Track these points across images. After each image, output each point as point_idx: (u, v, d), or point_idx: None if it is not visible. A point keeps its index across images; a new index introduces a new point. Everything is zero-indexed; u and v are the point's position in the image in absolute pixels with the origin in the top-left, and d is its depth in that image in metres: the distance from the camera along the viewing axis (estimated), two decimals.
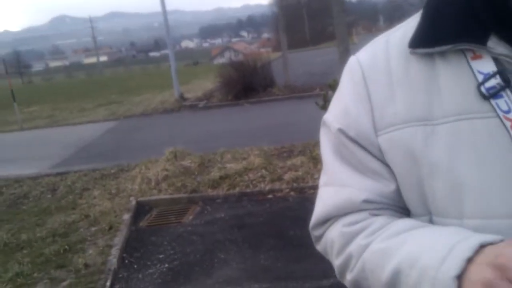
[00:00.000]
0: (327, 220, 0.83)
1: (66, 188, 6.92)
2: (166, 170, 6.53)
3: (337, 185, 0.81)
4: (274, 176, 5.95)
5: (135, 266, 4.32)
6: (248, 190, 5.76)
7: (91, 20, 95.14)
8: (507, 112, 0.65)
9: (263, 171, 6.11)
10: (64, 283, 4.06)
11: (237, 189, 5.81)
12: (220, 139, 8.67)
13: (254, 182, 5.92)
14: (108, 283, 3.93)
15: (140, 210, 5.72)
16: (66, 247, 4.76)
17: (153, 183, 6.29)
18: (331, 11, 7.07)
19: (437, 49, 0.70)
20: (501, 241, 0.60)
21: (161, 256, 4.44)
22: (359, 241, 0.75)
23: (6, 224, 5.77)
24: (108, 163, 7.86)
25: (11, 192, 7.12)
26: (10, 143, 12.38)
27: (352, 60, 0.82)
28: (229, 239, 4.61)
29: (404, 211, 0.77)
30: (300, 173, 5.91)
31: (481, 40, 0.67)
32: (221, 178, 6.09)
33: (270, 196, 5.62)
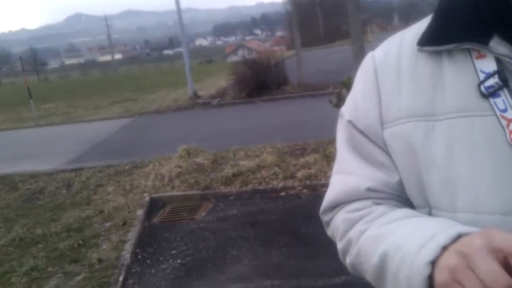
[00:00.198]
0: (335, 206, 0.86)
1: (81, 184, 6.99)
2: (180, 167, 6.57)
3: (345, 173, 0.85)
4: (287, 174, 5.94)
5: (148, 261, 4.36)
6: (260, 188, 5.76)
7: (106, 18, 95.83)
8: (504, 111, 0.67)
9: (276, 168, 6.12)
10: (78, 278, 4.10)
11: (250, 186, 5.82)
12: (233, 137, 8.69)
13: (266, 179, 5.92)
14: (121, 278, 3.97)
15: (154, 206, 5.76)
16: (80, 242, 4.82)
17: (166, 180, 6.33)
18: (346, 9, 7.03)
19: (443, 47, 0.73)
20: None
21: (173, 251, 4.47)
22: (358, 226, 0.78)
23: (22, 219, 5.85)
24: (122, 160, 7.92)
25: (27, 187, 7.21)
26: (26, 139, 12.55)
27: (368, 56, 0.86)
28: (242, 236, 4.62)
29: (408, 202, 0.79)
30: (313, 170, 5.90)
31: (484, 40, 0.69)
32: (233, 175, 6.11)
33: (282, 193, 5.62)
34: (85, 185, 6.91)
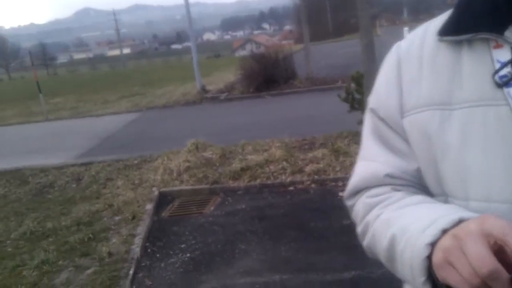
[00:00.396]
0: (358, 192, 0.90)
1: (90, 178, 7.04)
2: (188, 161, 6.58)
3: (367, 160, 0.90)
4: (295, 168, 5.94)
5: (158, 255, 4.38)
6: (269, 182, 5.77)
7: (114, 12, 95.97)
8: None
9: (284, 163, 6.11)
10: (89, 271, 4.14)
11: (258, 181, 5.83)
12: (241, 131, 8.70)
13: (275, 174, 5.92)
14: (131, 272, 4.00)
15: (162, 200, 5.78)
16: (90, 235, 4.85)
17: (175, 174, 6.36)
18: (355, 2, 6.98)
19: (461, 37, 0.74)
20: None
21: (183, 245, 4.49)
22: (375, 211, 0.82)
23: (32, 212, 5.90)
24: (131, 154, 7.96)
25: (37, 181, 7.27)
26: (36, 133, 12.64)
27: (394, 46, 0.89)
28: (250, 230, 4.63)
29: (426, 189, 0.81)
30: (321, 165, 5.89)
31: (499, 30, 0.71)
32: (242, 169, 6.11)
33: (291, 188, 5.62)
34: (95, 179, 6.96)
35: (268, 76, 13.88)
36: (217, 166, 6.46)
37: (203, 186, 5.93)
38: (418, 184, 0.82)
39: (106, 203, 5.79)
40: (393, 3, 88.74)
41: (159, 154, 7.41)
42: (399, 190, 0.82)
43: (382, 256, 0.79)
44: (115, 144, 9.64)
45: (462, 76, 0.74)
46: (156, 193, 5.89)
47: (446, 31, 0.77)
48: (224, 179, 5.99)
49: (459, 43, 0.76)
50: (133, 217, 5.21)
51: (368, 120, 0.91)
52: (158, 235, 4.83)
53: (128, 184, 6.40)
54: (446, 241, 0.62)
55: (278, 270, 3.79)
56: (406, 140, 0.81)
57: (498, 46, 0.72)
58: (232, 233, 4.62)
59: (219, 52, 64.55)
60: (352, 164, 5.38)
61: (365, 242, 0.86)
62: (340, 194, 5.25)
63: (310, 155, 6.30)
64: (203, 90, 15.49)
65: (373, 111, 0.87)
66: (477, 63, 0.73)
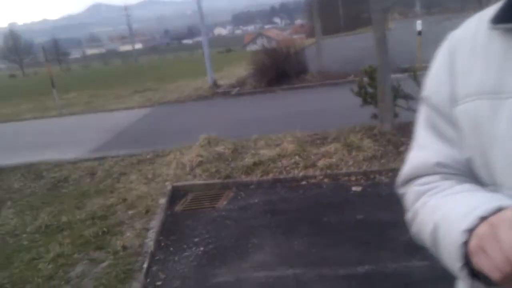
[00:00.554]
0: (409, 180, 0.92)
1: (104, 172, 7.10)
2: (200, 156, 6.61)
3: (419, 148, 0.91)
4: (307, 163, 5.94)
5: (171, 249, 4.42)
6: (281, 177, 5.77)
7: (126, 8, 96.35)
8: None
9: (297, 157, 6.11)
10: (103, 264, 4.19)
11: (271, 176, 5.84)
12: (253, 126, 8.70)
13: (287, 168, 5.93)
14: (145, 265, 4.04)
15: (176, 194, 5.82)
16: (105, 229, 4.90)
17: (187, 169, 6.39)
18: None
19: (510, 25, 0.75)
20: None
21: (196, 239, 4.52)
22: (423, 199, 0.84)
23: (47, 206, 5.98)
24: (144, 149, 8.01)
25: (52, 175, 7.35)
26: (50, 128, 12.77)
27: (449, 34, 0.90)
28: (263, 224, 4.65)
29: (476, 178, 0.82)
30: (334, 160, 5.88)
31: None
32: (254, 164, 6.12)
33: (303, 182, 5.62)
34: (109, 173, 7.02)
35: (280, 70, 13.83)
36: (230, 160, 6.48)
37: (216, 180, 5.95)
38: (468, 173, 0.83)
39: (120, 197, 5.84)
40: None
41: (171, 149, 7.45)
42: (448, 179, 0.84)
43: (427, 242, 0.82)
44: (128, 139, 9.70)
45: None
46: (169, 187, 5.92)
47: (499, 19, 0.77)
48: (236, 174, 6.01)
49: (511, 31, 0.76)
50: (147, 211, 5.25)
51: (422, 109, 0.92)
52: (171, 229, 4.87)
53: (142, 179, 6.45)
54: (482, 228, 0.64)
55: (291, 264, 3.80)
56: (457, 128, 0.82)
57: None
58: (245, 227, 4.64)
59: (230, 47, 64.48)
60: (364, 159, 5.38)
61: (413, 229, 0.88)
62: (353, 188, 5.24)
63: (322, 149, 6.29)
64: (215, 85, 15.50)
65: (425, 99, 0.89)
66: None
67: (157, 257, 4.28)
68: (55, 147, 9.54)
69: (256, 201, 5.30)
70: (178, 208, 5.45)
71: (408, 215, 0.90)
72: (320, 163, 5.86)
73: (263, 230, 4.51)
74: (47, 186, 6.90)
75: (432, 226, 0.78)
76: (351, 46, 22.97)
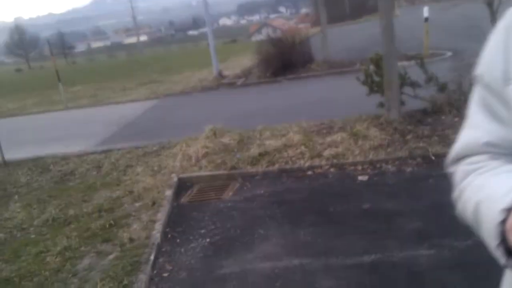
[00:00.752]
0: (459, 159, 0.92)
1: (111, 165, 7.11)
2: (206, 147, 6.60)
3: (469, 127, 0.91)
4: (313, 153, 5.90)
5: (178, 240, 4.42)
6: (287, 167, 5.75)
7: (131, 0, 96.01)
8: None
9: (303, 147, 6.08)
10: (110, 256, 4.20)
11: (276, 166, 5.81)
12: (258, 116, 8.67)
13: (293, 158, 5.90)
14: (152, 257, 4.05)
15: (182, 186, 5.82)
16: (112, 222, 4.91)
17: (193, 160, 6.38)
18: None
19: None
20: None
21: (202, 231, 4.52)
22: (470, 178, 0.85)
23: (54, 200, 6.00)
24: (150, 141, 8.01)
25: (58, 169, 7.38)
26: (56, 122, 12.82)
27: (507, 11, 0.88)
28: (269, 215, 4.63)
29: None
30: (340, 149, 5.84)
31: None
32: (260, 155, 6.10)
33: (309, 172, 5.59)
34: (115, 166, 7.03)
35: (285, 60, 13.76)
36: (235, 151, 6.46)
37: (222, 171, 5.94)
38: None
39: (126, 190, 5.85)
40: None
41: (177, 140, 7.44)
42: (497, 159, 0.84)
43: (470, 220, 0.83)
44: (134, 131, 9.71)
45: None
46: (175, 179, 5.92)
47: None
48: (242, 165, 5.99)
49: None
50: (153, 203, 5.25)
51: (475, 87, 0.90)
52: (178, 220, 4.87)
53: (148, 171, 6.45)
54: None
55: (298, 254, 3.79)
56: (509, 108, 0.80)
57: None
58: (251, 218, 4.63)
59: (236, 37, 64.22)
60: (371, 148, 5.34)
61: (458, 207, 0.89)
62: (360, 178, 5.20)
63: (328, 139, 6.25)
64: (220, 75, 15.46)
65: (478, 77, 0.87)
66: None
67: (164, 249, 4.28)
68: (62, 141, 9.57)
69: (262, 191, 5.28)
70: (184, 199, 5.45)
71: (455, 193, 0.91)
72: (326, 152, 5.83)
73: (269, 221, 4.50)
74: (54, 180, 6.93)
75: (474, 205, 0.79)
76: (357, 34, 22.79)
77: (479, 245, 2.97)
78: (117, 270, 3.90)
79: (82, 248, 4.45)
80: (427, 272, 3.25)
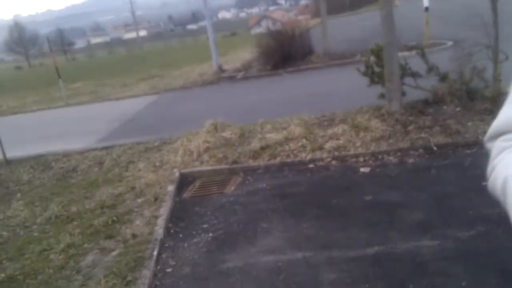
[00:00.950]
0: (497, 135, 0.93)
1: (112, 161, 7.11)
2: (207, 142, 6.59)
3: (509, 104, 0.91)
4: (315, 145, 5.89)
5: (181, 235, 4.42)
6: (289, 160, 5.74)
7: None
8: None
9: (304, 140, 6.07)
10: (114, 253, 4.20)
11: (278, 159, 5.80)
12: (259, 110, 8.65)
13: (294, 151, 5.89)
14: (155, 252, 4.05)
15: (184, 181, 5.82)
16: (114, 218, 4.92)
17: (195, 155, 6.38)
18: None
19: None
20: None
21: (205, 225, 4.52)
22: (502, 155, 0.87)
23: (57, 197, 6.00)
24: (151, 136, 8.00)
25: (60, 166, 7.38)
26: (57, 119, 12.82)
27: None
28: (271, 208, 4.63)
29: None
30: (341, 141, 5.82)
31: None
32: (261, 148, 6.09)
33: (311, 165, 5.58)
34: (116, 162, 7.03)
35: (285, 53, 13.72)
36: (237, 145, 6.45)
37: (223, 166, 5.93)
38: None
39: (128, 186, 5.85)
40: None
41: (178, 135, 7.44)
42: None
43: (499, 195, 0.84)
44: (135, 127, 9.70)
45: None
46: (177, 174, 5.92)
47: None
48: (243, 159, 5.98)
49: None
50: (155, 199, 5.25)
51: None
52: (180, 216, 4.87)
53: (149, 167, 6.45)
54: None
55: (301, 247, 3.78)
56: None
57: None
58: (254, 212, 4.63)
59: (235, 30, 64.00)
60: (372, 139, 5.31)
61: (489, 183, 0.90)
62: (361, 170, 5.19)
63: (330, 131, 6.23)
64: (220, 69, 15.42)
65: None
66: None
67: (167, 244, 4.28)
68: (63, 138, 9.58)
69: (264, 185, 5.28)
70: (186, 194, 5.45)
71: (488, 169, 0.92)
72: (328, 145, 5.82)
73: (271, 214, 4.50)
74: (56, 177, 6.93)
75: (503, 180, 0.81)
76: (357, 25, 22.69)
77: (482, 236, 2.95)
78: (120, 266, 3.90)
79: (85, 245, 4.46)
80: (431, 263, 3.24)
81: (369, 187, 4.73)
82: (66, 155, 7.89)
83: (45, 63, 53.63)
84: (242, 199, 5.02)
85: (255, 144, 6.23)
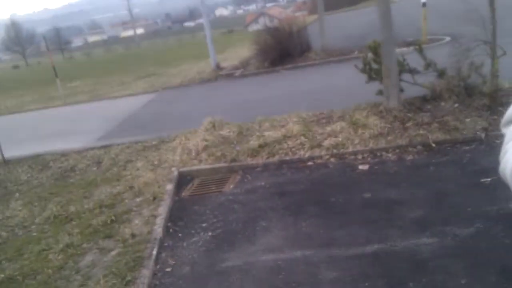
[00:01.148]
0: (511, 121, 0.95)
1: (111, 160, 7.09)
2: (206, 140, 6.58)
3: None
4: (313, 143, 5.88)
5: (180, 234, 4.42)
6: (287, 158, 5.73)
7: None
8: None
9: (302, 138, 6.06)
10: (113, 253, 4.19)
11: (277, 157, 5.79)
12: (257, 107, 8.63)
13: (293, 149, 5.88)
14: (154, 252, 4.04)
15: (182, 180, 5.81)
16: (113, 217, 4.91)
17: (193, 154, 6.36)
18: None
19: None
20: None
21: (204, 224, 4.51)
22: None
23: (55, 197, 5.99)
24: (149, 135, 7.98)
25: (58, 165, 7.36)
26: (55, 118, 12.78)
27: None
28: (270, 207, 4.62)
29: None
30: (340, 139, 5.82)
31: None
32: (260, 146, 6.08)
33: (310, 163, 5.58)
34: (115, 161, 7.01)
35: (283, 50, 13.69)
36: (235, 144, 6.44)
37: (222, 164, 5.92)
38: None
39: (127, 185, 5.83)
40: None
41: (176, 134, 7.42)
42: None
43: (508, 180, 0.86)
44: (133, 126, 9.68)
45: None
46: (176, 173, 5.91)
47: None
48: (242, 157, 5.97)
49: None
50: (154, 198, 5.24)
51: None
52: (179, 214, 4.86)
53: (148, 165, 6.43)
54: None
55: (300, 246, 3.78)
56: None
57: None
58: (253, 210, 4.62)
59: (233, 28, 63.88)
60: (371, 136, 5.29)
61: (500, 167, 0.92)
62: (360, 167, 5.19)
63: (328, 129, 6.23)
64: (218, 67, 15.40)
65: None
66: None
67: (166, 244, 4.28)
68: (61, 137, 9.55)
69: (262, 183, 5.27)
70: (185, 193, 5.44)
71: (500, 153, 0.94)
72: (326, 142, 5.81)
73: (270, 213, 4.49)
74: (54, 177, 6.92)
75: (510, 167, 0.83)
76: (355, 22, 22.67)
77: (481, 232, 2.95)
78: (120, 266, 3.90)
79: (84, 245, 4.45)
80: (430, 260, 3.24)
81: (367, 184, 4.72)
82: (64, 154, 7.87)
83: (43, 62, 53.50)
84: (241, 197, 5.01)
85: (254, 142, 6.22)
